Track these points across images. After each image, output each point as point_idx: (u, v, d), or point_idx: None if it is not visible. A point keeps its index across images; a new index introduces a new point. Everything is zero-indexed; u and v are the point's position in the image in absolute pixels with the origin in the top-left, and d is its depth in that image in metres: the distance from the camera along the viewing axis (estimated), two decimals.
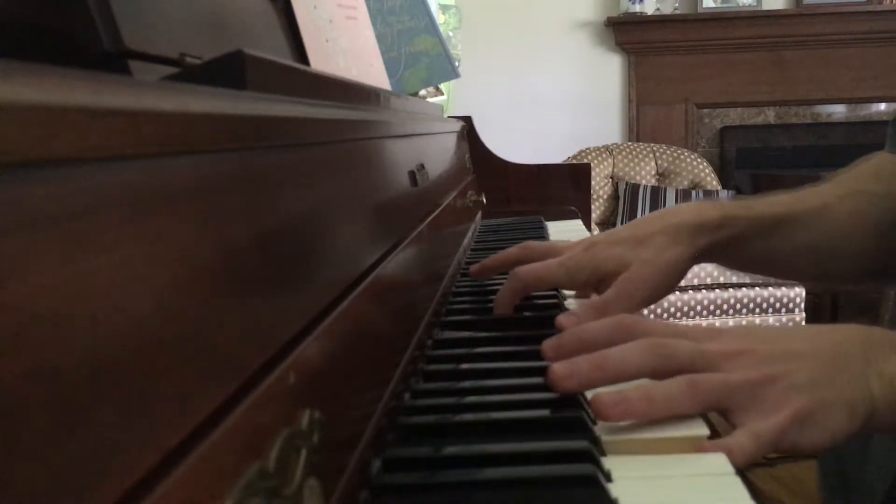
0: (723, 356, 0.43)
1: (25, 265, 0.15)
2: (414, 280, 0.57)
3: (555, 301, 0.67)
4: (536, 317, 0.64)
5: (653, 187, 3.10)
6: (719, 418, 0.42)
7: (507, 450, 0.38)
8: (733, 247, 0.62)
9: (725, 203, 0.64)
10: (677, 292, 2.60)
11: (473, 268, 0.72)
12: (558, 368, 0.43)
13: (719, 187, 3.16)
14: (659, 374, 0.42)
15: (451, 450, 0.39)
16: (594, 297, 0.62)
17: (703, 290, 2.63)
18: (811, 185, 0.67)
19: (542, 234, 1.10)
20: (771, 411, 0.40)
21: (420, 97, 1.49)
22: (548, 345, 0.46)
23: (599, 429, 0.40)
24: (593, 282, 0.61)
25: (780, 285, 2.65)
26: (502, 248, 0.99)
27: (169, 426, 0.19)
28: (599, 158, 3.19)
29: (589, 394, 0.43)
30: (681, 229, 0.60)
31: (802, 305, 2.67)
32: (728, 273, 2.62)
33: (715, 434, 0.40)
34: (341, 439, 0.32)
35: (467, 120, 1.38)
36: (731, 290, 2.63)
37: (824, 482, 0.63)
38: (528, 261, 0.64)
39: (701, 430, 0.40)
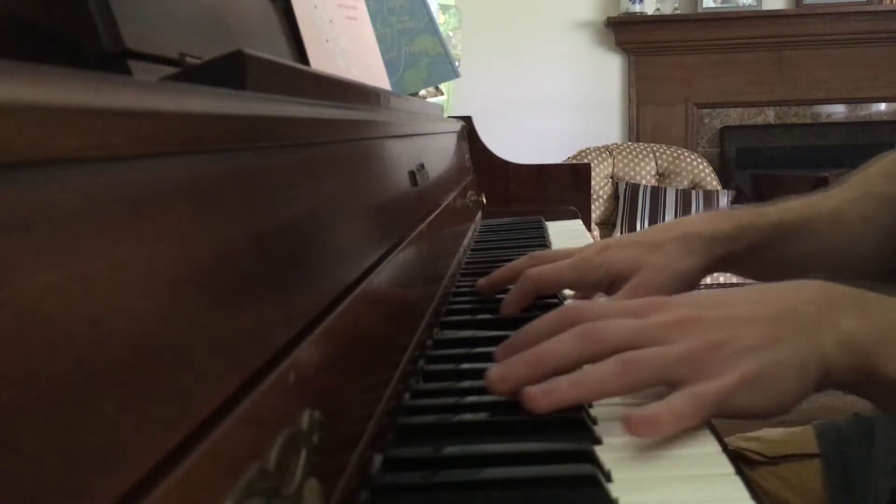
0: (664, 328, 0.41)
1: (25, 265, 0.15)
2: (414, 280, 0.57)
3: (555, 302, 0.67)
4: (538, 317, 0.64)
5: (653, 187, 3.10)
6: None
7: (507, 450, 0.38)
8: (748, 256, 0.62)
9: (740, 212, 0.63)
10: None
11: (480, 282, 0.71)
12: (493, 372, 0.42)
13: (719, 187, 3.16)
14: (598, 358, 0.41)
15: (451, 450, 0.39)
16: (601, 299, 0.61)
17: (703, 290, 2.63)
18: (823, 190, 0.67)
19: (542, 234, 1.10)
20: (716, 376, 0.39)
21: (420, 97, 1.49)
22: (499, 349, 0.45)
23: (600, 429, 0.40)
24: (605, 284, 0.61)
25: None
26: (502, 248, 1.00)
27: (169, 426, 0.19)
28: (599, 158, 3.19)
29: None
30: (696, 239, 0.60)
31: None
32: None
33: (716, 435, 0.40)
34: (341, 439, 0.32)
35: (467, 120, 1.38)
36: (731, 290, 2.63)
37: (829, 481, 0.63)
38: (539, 289, 0.63)
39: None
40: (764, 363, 0.40)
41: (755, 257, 0.62)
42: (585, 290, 0.67)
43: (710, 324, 0.41)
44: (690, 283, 0.60)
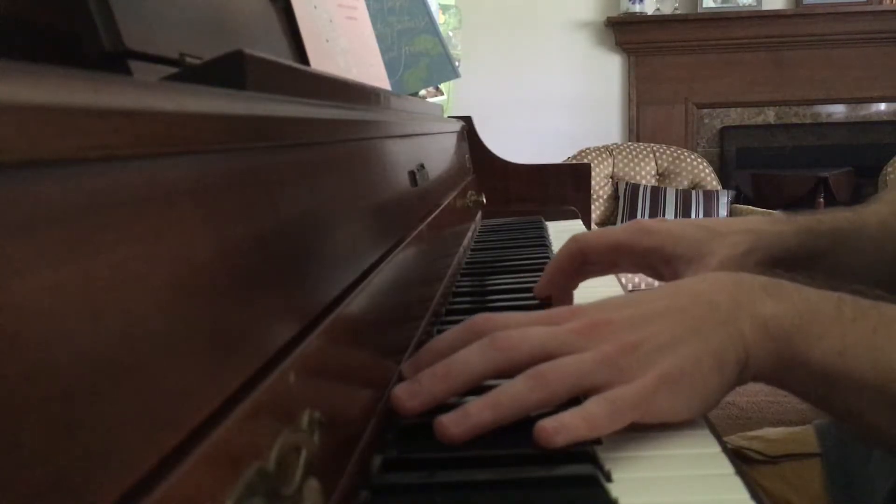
0: (576, 334, 0.40)
1: (25, 265, 0.15)
2: (414, 280, 0.57)
3: None
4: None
5: (653, 187, 3.10)
6: (716, 414, 0.41)
7: (506, 450, 0.38)
8: (805, 260, 0.60)
9: (799, 217, 0.62)
10: None
11: (537, 288, 0.65)
12: (399, 391, 0.40)
13: (719, 187, 3.16)
14: (507, 370, 0.39)
15: (450, 450, 0.38)
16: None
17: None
18: (869, 204, 0.66)
19: (542, 234, 1.10)
20: (634, 379, 0.38)
21: (420, 97, 1.49)
22: (405, 366, 0.44)
23: None
24: (661, 254, 0.58)
25: None
26: (502, 248, 1.00)
27: (169, 426, 0.19)
28: (599, 158, 3.19)
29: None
30: (759, 236, 0.59)
31: None
32: None
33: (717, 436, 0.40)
34: (341, 439, 0.32)
35: (467, 120, 1.38)
36: None
37: (829, 480, 0.63)
38: (586, 250, 0.60)
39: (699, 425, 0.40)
40: (681, 360, 0.39)
41: (810, 263, 0.62)
42: (636, 257, 0.61)
43: (622, 325, 0.40)
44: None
